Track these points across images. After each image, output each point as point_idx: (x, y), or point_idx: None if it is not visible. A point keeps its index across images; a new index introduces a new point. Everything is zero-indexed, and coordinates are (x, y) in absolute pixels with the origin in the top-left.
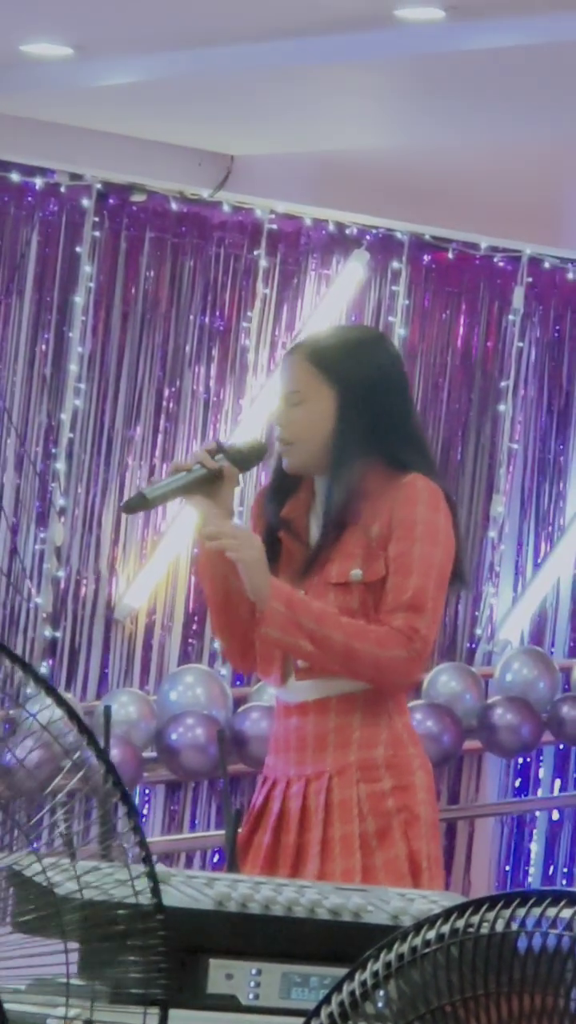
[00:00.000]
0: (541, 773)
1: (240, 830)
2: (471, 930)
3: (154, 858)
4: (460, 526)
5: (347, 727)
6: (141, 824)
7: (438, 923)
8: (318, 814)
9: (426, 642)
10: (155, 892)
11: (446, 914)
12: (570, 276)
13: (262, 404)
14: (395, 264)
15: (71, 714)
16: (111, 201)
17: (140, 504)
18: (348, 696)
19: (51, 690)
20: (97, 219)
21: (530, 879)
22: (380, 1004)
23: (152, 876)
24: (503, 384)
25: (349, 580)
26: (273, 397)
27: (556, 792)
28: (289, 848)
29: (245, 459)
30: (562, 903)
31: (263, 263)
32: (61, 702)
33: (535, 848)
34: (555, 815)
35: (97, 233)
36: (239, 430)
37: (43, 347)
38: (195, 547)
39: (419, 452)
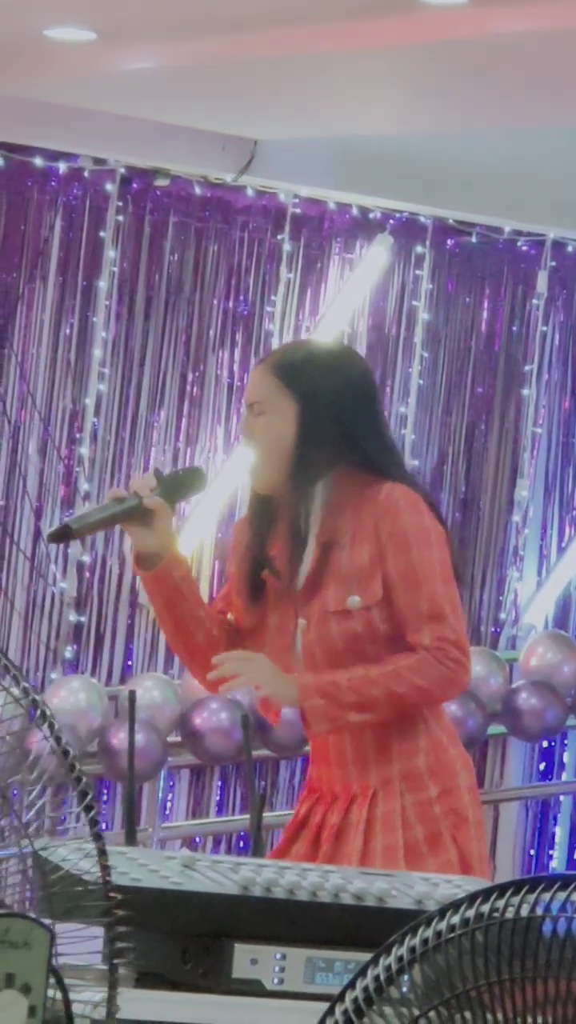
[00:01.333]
0: (566, 757)
1: (278, 841)
2: (496, 915)
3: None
4: (448, 527)
5: (385, 741)
6: (98, 805)
7: (463, 908)
8: (359, 826)
9: (459, 646)
10: (104, 870)
11: (471, 898)
12: None
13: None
14: (419, 248)
15: (36, 704)
16: (135, 186)
17: (64, 534)
18: None
19: (17, 674)
20: (121, 204)
21: (554, 863)
22: (405, 989)
23: (103, 854)
24: (527, 368)
25: (347, 607)
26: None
27: None
28: (325, 859)
29: (180, 486)
30: None
31: (287, 247)
32: (27, 692)
33: (559, 832)
34: None
35: (121, 218)
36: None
37: (67, 332)
38: (137, 575)
39: (391, 460)
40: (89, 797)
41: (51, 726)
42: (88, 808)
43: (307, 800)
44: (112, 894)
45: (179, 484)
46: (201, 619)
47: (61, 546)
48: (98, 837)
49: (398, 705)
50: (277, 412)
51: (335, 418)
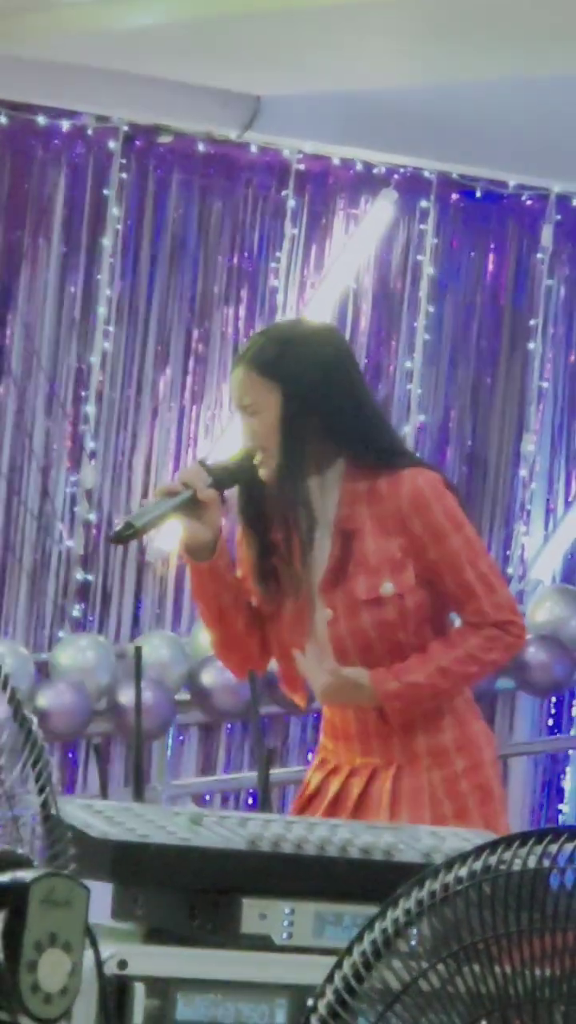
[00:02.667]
0: (574, 711)
1: (290, 808)
2: (503, 867)
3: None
4: (459, 494)
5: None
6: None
7: (470, 860)
8: (383, 800)
9: (514, 610)
10: (47, 820)
11: (478, 851)
12: None
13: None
14: (423, 203)
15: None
16: (138, 143)
17: (129, 534)
18: None
19: None
20: (124, 161)
21: (563, 817)
22: (413, 942)
23: (46, 800)
24: (532, 322)
25: (380, 595)
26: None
27: None
28: None
29: (232, 476)
30: None
31: (291, 203)
32: None
33: (568, 786)
34: None
35: (124, 175)
36: (221, 449)
37: (72, 290)
38: (184, 562)
39: (392, 443)
40: (39, 757)
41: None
42: (39, 775)
43: (318, 771)
44: (61, 847)
45: (232, 475)
46: (242, 605)
47: (68, 504)
48: (44, 804)
49: (472, 682)
50: (267, 407)
51: (315, 400)
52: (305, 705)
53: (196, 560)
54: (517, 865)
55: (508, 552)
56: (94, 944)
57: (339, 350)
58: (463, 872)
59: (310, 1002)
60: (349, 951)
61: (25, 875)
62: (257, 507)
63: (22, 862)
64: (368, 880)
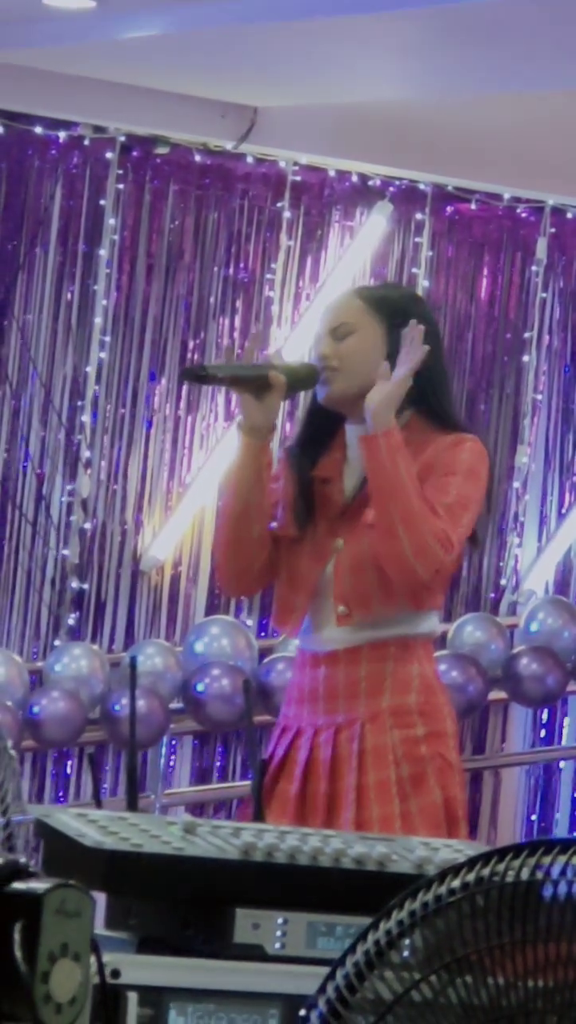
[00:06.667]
0: (567, 722)
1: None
2: (496, 878)
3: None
4: (492, 497)
5: (378, 673)
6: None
7: (463, 871)
8: (351, 761)
9: (454, 558)
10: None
11: (470, 862)
12: None
13: (286, 354)
14: (418, 215)
15: None
16: (135, 154)
17: (202, 374)
18: (379, 643)
19: None
20: (121, 172)
21: (555, 828)
22: (405, 953)
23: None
24: (527, 335)
25: None
26: (314, 341)
27: None
28: (320, 797)
29: (296, 377)
30: None
31: (287, 215)
32: None
33: (561, 797)
34: None
35: (121, 186)
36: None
37: (68, 299)
38: (232, 459)
39: (455, 410)
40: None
41: None
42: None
43: (283, 738)
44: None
45: (296, 374)
46: (264, 512)
47: (63, 513)
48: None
49: (404, 523)
50: (367, 331)
51: None
52: (294, 636)
53: (248, 438)
54: (510, 877)
55: (501, 563)
56: (98, 954)
57: (433, 315)
58: (456, 883)
59: (302, 1012)
60: (342, 962)
61: (38, 885)
62: (325, 440)
63: (25, 871)
64: (361, 891)
